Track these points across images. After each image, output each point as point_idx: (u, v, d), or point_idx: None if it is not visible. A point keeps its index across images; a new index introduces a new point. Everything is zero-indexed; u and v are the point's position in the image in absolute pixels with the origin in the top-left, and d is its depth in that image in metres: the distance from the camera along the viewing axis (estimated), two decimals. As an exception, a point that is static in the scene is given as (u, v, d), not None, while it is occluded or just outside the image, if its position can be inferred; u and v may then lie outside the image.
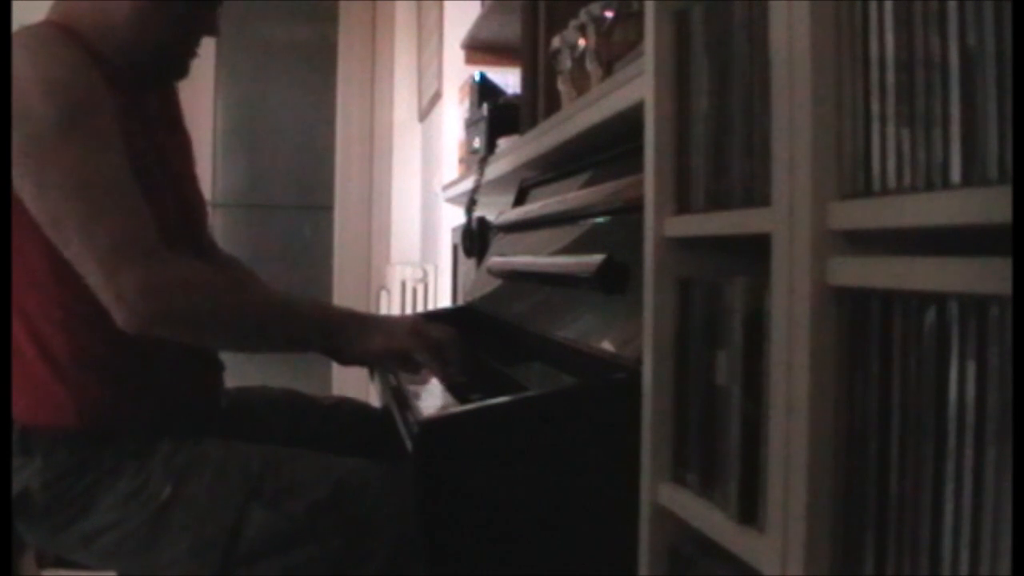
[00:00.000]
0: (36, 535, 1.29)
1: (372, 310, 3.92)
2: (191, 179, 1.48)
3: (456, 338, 1.33)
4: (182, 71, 1.40)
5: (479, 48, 2.97)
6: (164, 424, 1.27)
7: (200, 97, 3.87)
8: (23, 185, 1.18)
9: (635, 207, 1.06)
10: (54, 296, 1.24)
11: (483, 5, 2.67)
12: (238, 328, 1.27)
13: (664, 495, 0.91)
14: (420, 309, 3.35)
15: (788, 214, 0.68)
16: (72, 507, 1.23)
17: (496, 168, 2.08)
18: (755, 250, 0.74)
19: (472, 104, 2.64)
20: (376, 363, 1.45)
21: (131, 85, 1.31)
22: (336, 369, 3.85)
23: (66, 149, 1.17)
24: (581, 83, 1.61)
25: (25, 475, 1.24)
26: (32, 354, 1.25)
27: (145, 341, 1.21)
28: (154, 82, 1.39)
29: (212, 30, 1.39)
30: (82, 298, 1.19)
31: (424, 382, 1.35)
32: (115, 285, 1.16)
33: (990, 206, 0.50)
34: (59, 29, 1.26)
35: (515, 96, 2.33)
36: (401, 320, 1.35)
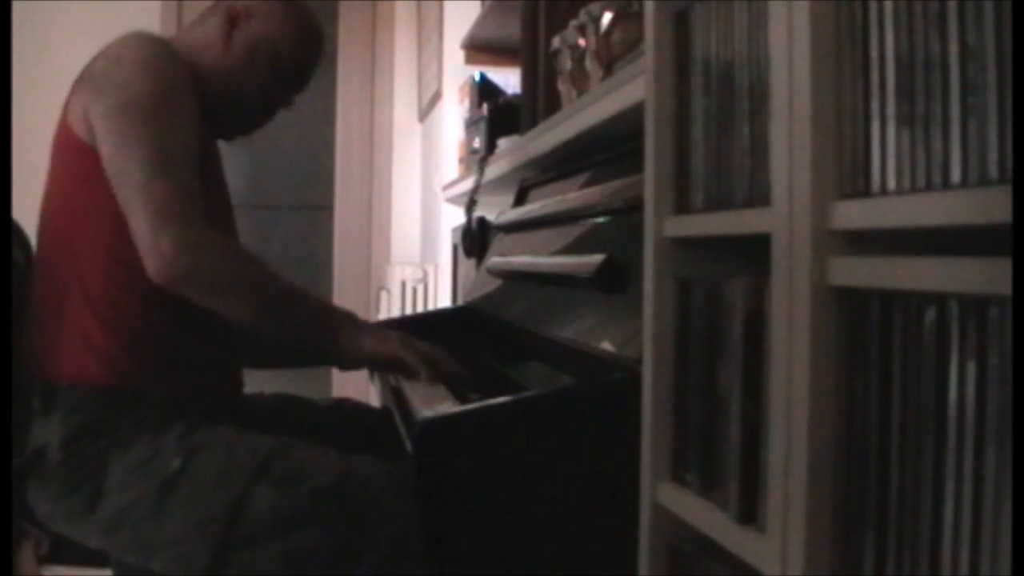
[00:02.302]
0: (44, 498, 1.31)
1: (372, 310, 3.92)
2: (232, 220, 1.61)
3: (445, 353, 1.40)
4: (248, 132, 1.59)
5: (479, 48, 2.96)
6: (185, 402, 1.33)
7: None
8: (106, 138, 1.32)
9: (635, 207, 1.06)
10: (105, 243, 1.34)
11: (483, 5, 2.67)
12: (254, 300, 1.35)
13: (664, 495, 0.91)
14: (420, 309, 3.35)
15: (788, 214, 0.68)
16: (83, 469, 1.27)
17: (496, 168, 2.08)
18: (755, 250, 0.73)
19: (472, 104, 2.64)
20: (370, 366, 1.53)
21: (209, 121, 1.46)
22: (336, 371, 3.84)
23: (150, 119, 1.32)
24: (581, 83, 1.61)
25: (43, 433, 1.29)
26: (77, 296, 1.33)
27: (186, 312, 1.30)
28: (219, 133, 1.55)
29: (288, 105, 1.57)
30: (132, 253, 1.28)
31: (424, 383, 1.35)
32: (154, 236, 1.26)
33: (990, 206, 0.50)
34: (170, 44, 1.44)
35: (515, 96, 2.33)
36: (393, 331, 1.44)
